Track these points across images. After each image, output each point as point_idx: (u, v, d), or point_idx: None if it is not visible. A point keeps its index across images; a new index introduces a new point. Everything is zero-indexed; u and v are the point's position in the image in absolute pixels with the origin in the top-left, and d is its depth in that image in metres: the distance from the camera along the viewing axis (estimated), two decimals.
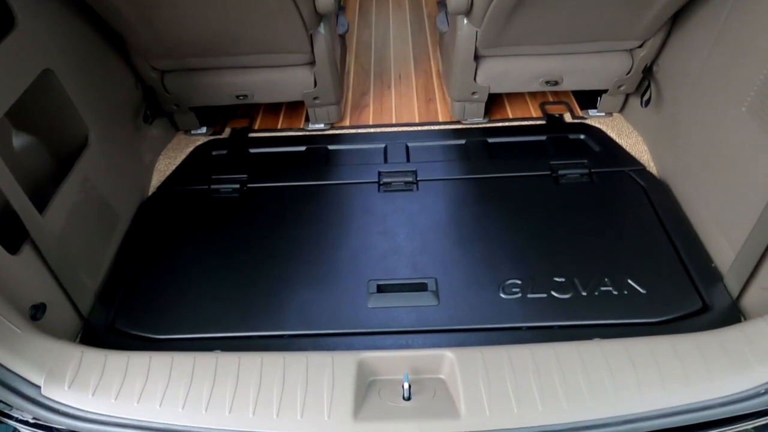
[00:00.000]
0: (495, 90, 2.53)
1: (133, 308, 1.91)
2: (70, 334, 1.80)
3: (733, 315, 1.75)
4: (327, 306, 1.87)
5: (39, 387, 1.38)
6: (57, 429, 1.39)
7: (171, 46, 2.23)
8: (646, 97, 2.37)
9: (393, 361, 1.44)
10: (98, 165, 2.03)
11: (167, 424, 1.32)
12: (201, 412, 1.33)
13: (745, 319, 1.74)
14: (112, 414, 1.35)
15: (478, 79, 2.47)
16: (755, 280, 1.71)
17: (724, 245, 1.86)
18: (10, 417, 1.40)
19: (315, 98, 2.54)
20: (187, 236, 2.15)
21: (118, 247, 2.12)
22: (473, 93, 2.53)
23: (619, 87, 2.50)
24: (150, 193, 2.41)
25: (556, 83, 2.48)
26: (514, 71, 2.45)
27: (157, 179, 2.48)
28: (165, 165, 2.54)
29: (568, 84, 2.50)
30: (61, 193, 1.80)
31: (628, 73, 2.43)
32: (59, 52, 1.87)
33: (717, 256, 1.91)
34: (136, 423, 1.33)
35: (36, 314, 1.62)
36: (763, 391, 1.29)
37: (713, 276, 1.87)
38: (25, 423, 1.40)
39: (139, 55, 2.32)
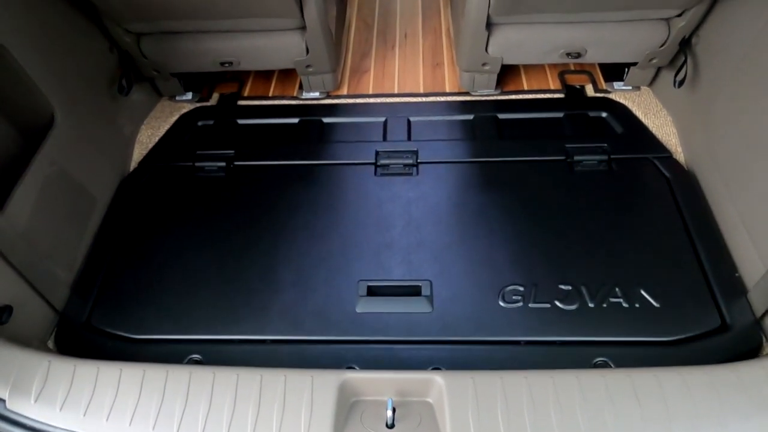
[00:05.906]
0: (508, 61, 2.26)
1: (110, 303, 1.81)
2: (43, 331, 1.71)
3: (754, 337, 1.60)
4: (313, 308, 1.75)
5: (3, 401, 1.31)
6: None
7: (140, 7, 1.99)
8: (680, 76, 2.09)
9: (378, 384, 1.34)
10: (67, 146, 1.86)
11: None
12: None
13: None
14: (80, 430, 1.28)
15: (489, 49, 2.19)
16: None
17: (753, 254, 1.68)
18: None
19: (307, 66, 2.30)
20: (168, 223, 2.02)
21: (96, 232, 1.99)
22: (483, 64, 2.26)
23: (651, 60, 2.22)
24: (132, 168, 2.25)
25: (578, 55, 2.20)
26: (531, 42, 2.17)
27: (139, 152, 2.31)
28: (147, 136, 2.36)
29: (592, 56, 2.22)
30: (24, 184, 1.65)
31: (662, 45, 2.13)
32: (12, 25, 1.65)
33: (743, 266, 1.73)
34: None
35: (1, 318, 1.53)
36: None
37: (736, 288, 1.70)
38: None
39: (110, 18, 2.08)
